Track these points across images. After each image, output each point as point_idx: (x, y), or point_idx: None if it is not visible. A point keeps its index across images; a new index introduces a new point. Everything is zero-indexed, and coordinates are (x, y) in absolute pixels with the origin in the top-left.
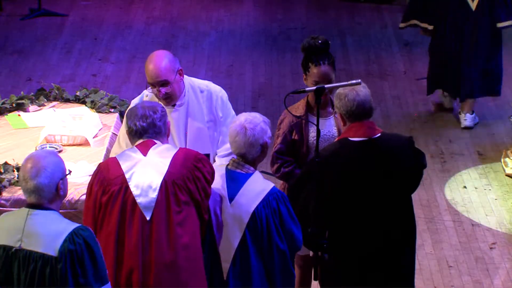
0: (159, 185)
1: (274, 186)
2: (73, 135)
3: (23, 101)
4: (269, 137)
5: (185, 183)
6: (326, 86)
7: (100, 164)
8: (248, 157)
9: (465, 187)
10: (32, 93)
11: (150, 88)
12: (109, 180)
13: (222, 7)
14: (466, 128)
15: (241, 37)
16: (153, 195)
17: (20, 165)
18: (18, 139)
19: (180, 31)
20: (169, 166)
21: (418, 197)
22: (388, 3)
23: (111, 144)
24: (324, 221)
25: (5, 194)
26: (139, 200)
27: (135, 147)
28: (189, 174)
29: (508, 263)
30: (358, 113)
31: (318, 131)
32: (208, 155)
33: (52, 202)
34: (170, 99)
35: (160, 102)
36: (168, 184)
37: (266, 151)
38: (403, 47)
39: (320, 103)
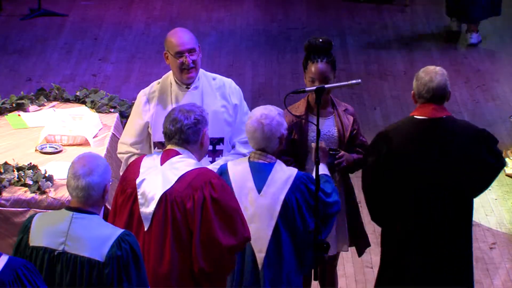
0: (158, 198)
1: (298, 171)
2: (73, 135)
3: (23, 101)
4: (285, 128)
5: (183, 201)
6: (326, 86)
7: (135, 159)
8: (267, 150)
9: None
10: (32, 93)
11: (178, 56)
12: (128, 181)
13: (222, 7)
14: (472, 45)
15: (241, 37)
16: (153, 207)
17: (20, 165)
18: (18, 139)
19: None
20: (175, 182)
21: None
22: (388, 3)
23: (111, 144)
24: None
25: (5, 194)
26: (141, 209)
27: (161, 152)
28: (191, 194)
29: (508, 263)
30: (427, 97)
31: (318, 131)
32: (222, 139)
33: (95, 205)
34: (195, 69)
35: (183, 77)
36: (168, 200)
37: (284, 142)
38: (403, 47)
39: (320, 103)
